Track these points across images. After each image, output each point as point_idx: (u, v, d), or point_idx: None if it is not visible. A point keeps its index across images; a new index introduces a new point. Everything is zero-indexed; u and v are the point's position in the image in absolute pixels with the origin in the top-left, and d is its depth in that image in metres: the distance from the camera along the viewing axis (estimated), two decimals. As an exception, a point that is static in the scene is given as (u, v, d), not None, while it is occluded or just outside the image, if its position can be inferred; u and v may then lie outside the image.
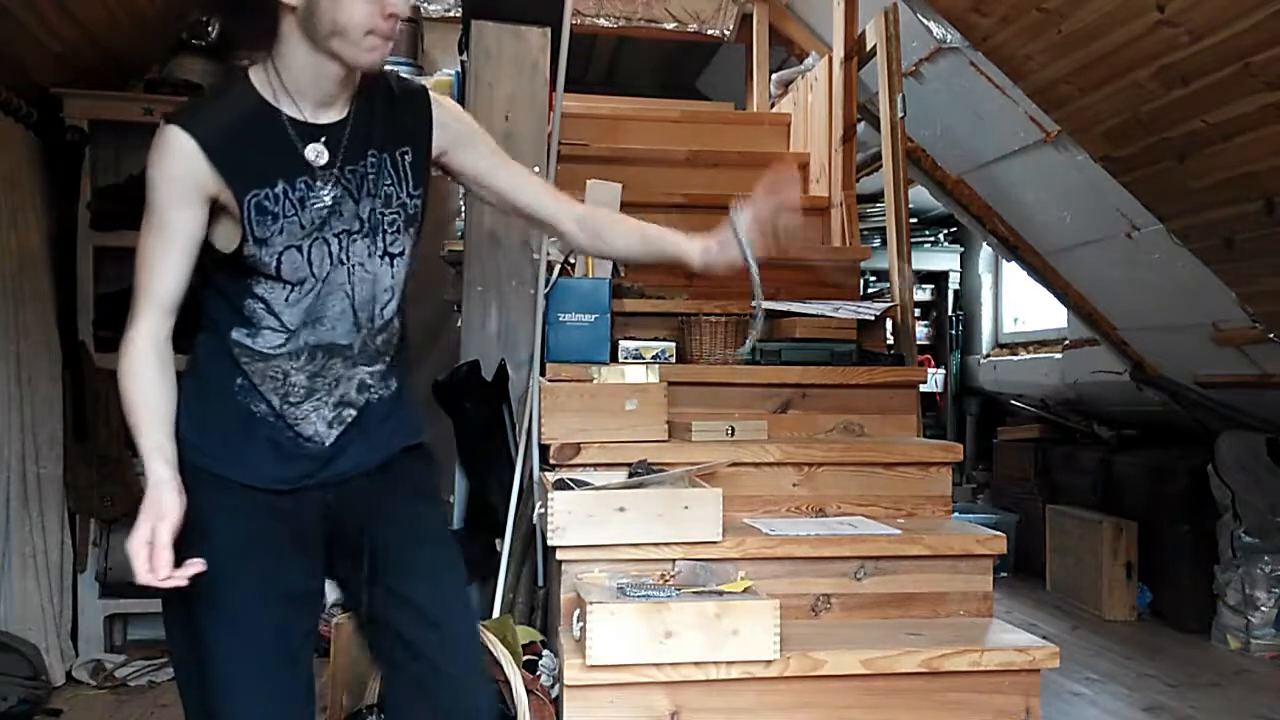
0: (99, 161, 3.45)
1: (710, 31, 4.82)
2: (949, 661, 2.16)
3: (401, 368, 1.65)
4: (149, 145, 1.45)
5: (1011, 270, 5.77)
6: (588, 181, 2.99)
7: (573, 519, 2.20)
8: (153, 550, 1.36)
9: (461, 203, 3.46)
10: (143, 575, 1.35)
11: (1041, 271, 4.55)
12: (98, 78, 3.42)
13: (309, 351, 1.52)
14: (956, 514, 2.93)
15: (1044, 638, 2.36)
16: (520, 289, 2.73)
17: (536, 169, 2.72)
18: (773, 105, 4.64)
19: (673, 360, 2.93)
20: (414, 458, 1.66)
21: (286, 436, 1.53)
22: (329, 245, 1.49)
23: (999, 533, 2.48)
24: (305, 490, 1.55)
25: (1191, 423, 4.49)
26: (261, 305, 1.49)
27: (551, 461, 2.53)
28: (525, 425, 2.59)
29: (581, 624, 2.05)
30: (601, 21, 4.71)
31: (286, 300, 1.49)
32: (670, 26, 4.78)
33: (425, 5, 4.15)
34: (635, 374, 2.69)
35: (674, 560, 2.26)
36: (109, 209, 3.34)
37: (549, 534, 2.22)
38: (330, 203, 1.48)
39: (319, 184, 1.47)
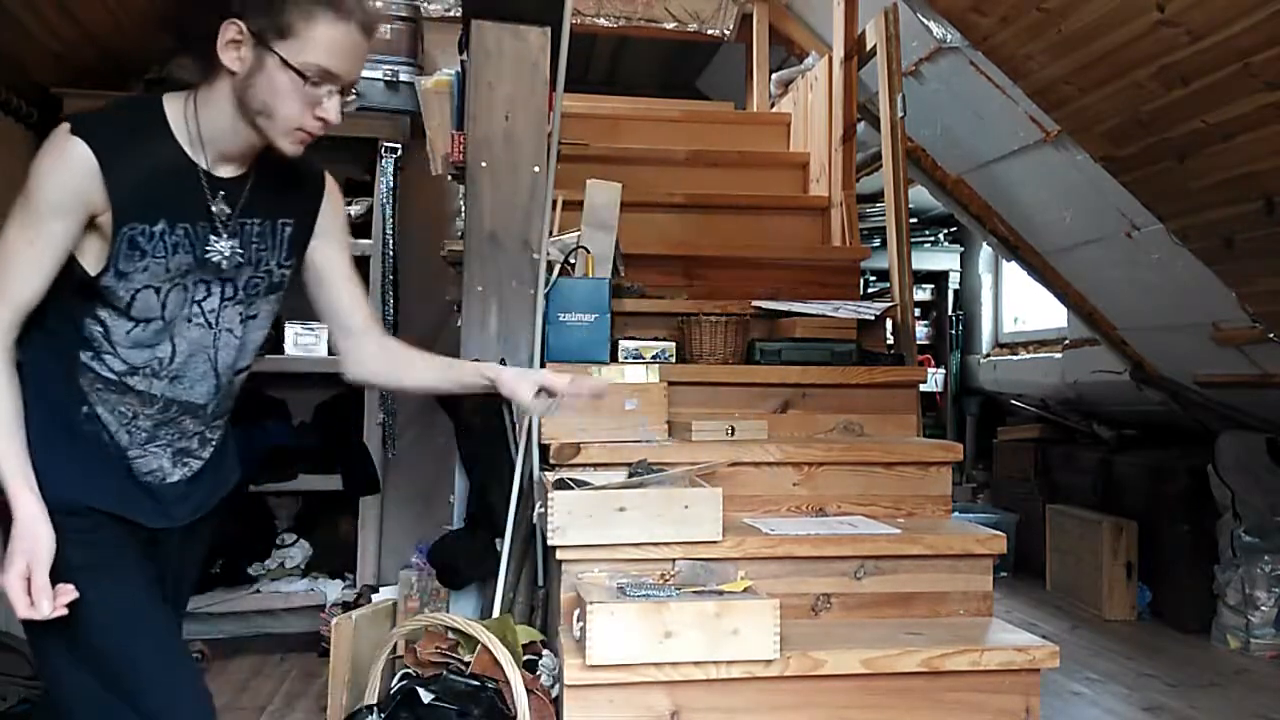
0: (99, 161, 3.45)
1: (710, 31, 4.82)
2: (949, 661, 2.15)
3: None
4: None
5: (1011, 270, 5.77)
6: (587, 181, 2.98)
7: (573, 519, 2.20)
8: (31, 586, 1.34)
9: (461, 203, 3.46)
10: (23, 611, 1.34)
11: (1041, 271, 4.55)
12: (98, 78, 3.41)
13: (164, 403, 1.53)
14: (956, 514, 2.93)
15: (1044, 637, 2.35)
16: (520, 289, 2.72)
17: (536, 168, 2.72)
18: (773, 105, 4.64)
19: (673, 360, 2.93)
20: (217, 513, 1.69)
21: (128, 469, 1.53)
22: (188, 293, 1.49)
23: (999, 532, 2.48)
24: (155, 529, 1.56)
25: (1191, 423, 4.49)
26: (100, 330, 1.47)
27: (551, 461, 2.53)
28: (525, 425, 2.59)
29: (581, 624, 2.04)
30: (601, 21, 4.71)
31: (127, 333, 1.47)
32: (670, 26, 4.78)
33: (425, 5, 4.14)
34: (635, 374, 2.69)
35: (674, 560, 2.26)
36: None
37: (549, 534, 2.22)
38: (227, 253, 1.50)
39: (213, 236, 1.49)
